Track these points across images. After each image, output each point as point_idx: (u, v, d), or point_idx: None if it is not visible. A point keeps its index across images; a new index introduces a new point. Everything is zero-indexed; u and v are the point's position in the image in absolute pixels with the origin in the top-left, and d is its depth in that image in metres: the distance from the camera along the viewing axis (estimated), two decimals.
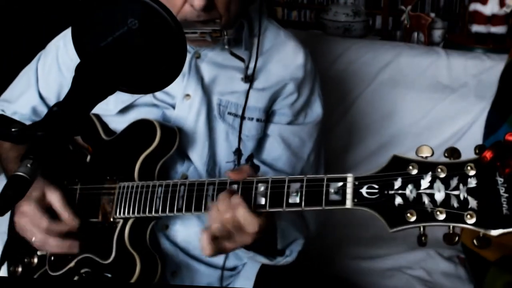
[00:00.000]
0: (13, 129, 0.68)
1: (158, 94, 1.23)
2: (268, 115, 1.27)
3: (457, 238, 0.79)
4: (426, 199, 0.80)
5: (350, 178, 0.87)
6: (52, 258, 1.20)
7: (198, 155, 1.22)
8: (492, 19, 2.13)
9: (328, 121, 1.43)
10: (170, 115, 1.23)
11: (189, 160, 1.23)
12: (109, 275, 1.13)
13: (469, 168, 0.79)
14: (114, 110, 1.23)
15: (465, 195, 0.78)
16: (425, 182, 0.81)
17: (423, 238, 0.80)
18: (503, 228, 0.75)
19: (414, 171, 0.82)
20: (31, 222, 1.13)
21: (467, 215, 0.77)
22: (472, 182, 0.78)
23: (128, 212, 1.11)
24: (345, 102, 1.96)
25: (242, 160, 1.26)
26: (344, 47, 2.01)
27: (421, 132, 1.91)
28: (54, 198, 1.14)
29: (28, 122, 1.31)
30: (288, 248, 1.15)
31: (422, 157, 0.82)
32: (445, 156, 0.82)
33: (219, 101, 1.23)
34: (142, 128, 1.18)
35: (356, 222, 1.67)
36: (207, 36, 1.13)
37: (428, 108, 1.91)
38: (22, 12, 2.62)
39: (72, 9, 0.74)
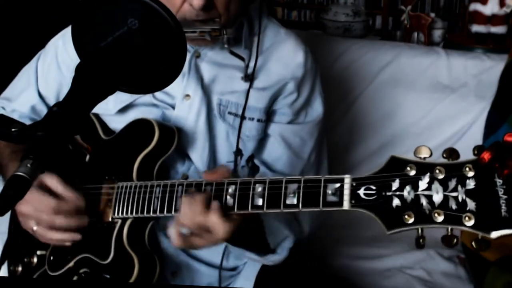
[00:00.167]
0: (13, 129, 0.68)
1: (157, 94, 1.23)
2: (268, 114, 1.27)
3: (455, 240, 0.78)
4: (424, 201, 0.79)
5: (347, 179, 0.86)
6: (52, 258, 1.20)
7: (198, 155, 1.22)
8: (492, 19, 2.13)
9: (328, 121, 1.43)
10: (170, 115, 1.23)
11: (189, 160, 1.23)
12: (108, 276, 1.13)
13: (467, 169, 0.78)
14: (114, 110, 1.23)
15: (464, 197, 0.77)
16: (423, 184, 0.80)
17: (421, 240, 0.80)
18: (502, 230, 0.74)
19: (412, 172, 0.81)
20: (36, 207, 1.11)
21: (465, 217, 0.76)
22: (471, 184, 0.78)
23: (127, 212, 1.11)
24: (345, 102, 1.96)
25: (243, 161, 1.26)
26: (344, 47, 2.01)
27: (421, 132, 1.91)
28: (53, 182, 1.13)
29: (27, 121, 1.32)
30: (279, 246, 1.15)
31: (420, 157, 0.82)
32: (444, 157, 0.81)
33: (219, 101, 1.23)
34: (140, 127, 1.18)
35: (355, 222, 1.67)
36: (206, 35, 1.13)
37: (428, 108, 1.91)
38: (22, 12, 2.62)
39: (72, 9, 0.74)
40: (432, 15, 2.32)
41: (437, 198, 0.79)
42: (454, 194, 0.78)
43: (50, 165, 0.67)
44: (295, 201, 0.91)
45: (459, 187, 0.78)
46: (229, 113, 1.23)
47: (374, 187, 0.84)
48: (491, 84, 1.84)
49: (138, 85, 0.75)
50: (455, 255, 1.64)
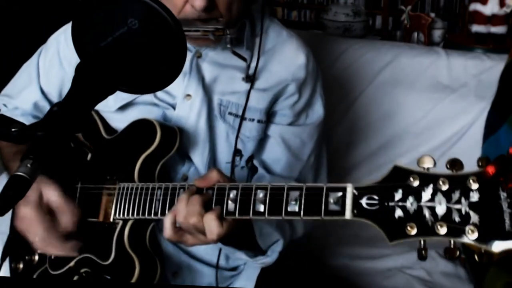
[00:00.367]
0: (13, 129, 0.68)
1: (159, 93, 1.22)
2: (268, 115, 1.27)
3: (458, 253, 0.77)
4: (427, 212, 0.78)
5: (349, 188, 0.86)
6: (53, 256, 1.20)
7: (199, 155, 1.22)
8: (492, 19, 2.13)
9: (328, 121, 1.43)
10: (171, 115, 1.22)
11: (190, 161, 1.23)
12: (109, 277, 1.13)
13: (471, 181, 0.77)
14: (114, 107, 1.23)
15: (467, 209, 0.76)
16: (426, 195, 0.79)
17: (423, 252, 0.79)
18: (506, 244, 0.73)
19: (415, 183, 0.80)
20: (31, 225, 1.12)
21: (468, 230, 0.75)
22: (475, 196, 0.77)
23: (128, 214, 1.10)
24: (345, 102, 1.96)
25: (243, 161, 1.26)
26: (344, 47, 2.01)
27: (421, 132, 1.90)
28: (52, 195, 1.12)
29: (30, 118, 1.32)
30: (270, 249, 1.15)
31: (423, 168, 0.81)
32: (447, 168, 0.80)
33: (220, 101, 1.23)
34: (142, 128, 1.17)
35: (355, 222, 1.67)
36: (210, 34, 1.12)
37: (428, 108, 1.91)
38: (22, 11, 2.62)
39: (72, 9, 0.74)
40: (432, 15, 2.32)
41: (440, 210, 0.78)
42: (458, 206, 0.77)
43: (50, 165, 0.67)
44: (296, 209, 0.90)
45: (463, 200, 0.77)
46: (230, 113, 1.23)
47: (376, 197, 0.83)
48: (491, 84, 1.84)
49: (138, 85, 0.75)
50: None
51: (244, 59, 1.21)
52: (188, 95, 1.22)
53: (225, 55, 1.22)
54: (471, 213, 0.76)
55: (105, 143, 1.23)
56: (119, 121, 1.22)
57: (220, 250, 1.23)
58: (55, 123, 0.68)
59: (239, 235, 1.03)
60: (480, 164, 0.78)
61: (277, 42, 1.29)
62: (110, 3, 0.72)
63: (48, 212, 1.12)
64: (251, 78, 1.22)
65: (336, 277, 1.51)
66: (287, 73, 1.27)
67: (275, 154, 1.28)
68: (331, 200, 0.87)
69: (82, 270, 1.16)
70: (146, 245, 1.14)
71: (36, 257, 1.22)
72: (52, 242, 1.12)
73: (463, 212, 0.77)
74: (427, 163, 0.81)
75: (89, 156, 1.23)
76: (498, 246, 0.74)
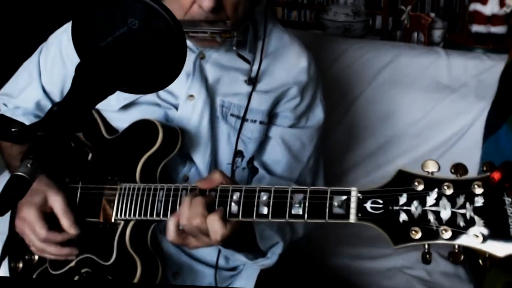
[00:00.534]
0: (13, 129, 0.68)
1: (161, 93, 1.22)
2: (270, 117, 1.27)
3: (462, 257, 0.78)
4: (431, 217, 0.79)
5: (354, 192, 0.86)
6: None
7: (200, 156, 1.22)
8: (492, 19, 2.13)
9: (328, 121, 1.43)
10: (173, 115, 1.22)
11: (191, 162, 1.23)
12: (110, 278, 1.13)
13: (476, 186, 0.77)
14: (116, 106, 1.23)
15: (472, 214, 0.77)
16: (431, 199, 0.79)
17: (427, 256, 0.79)
18: (510, 249, 0.74)
19: (420, 187, 0.80)
20: (30, 229, 1.13)
21: (473, 234, 0.76)
22: (479, 201, 0.77)
23: (129, 215, 1.10)
24: (345, 102, 1.96)
25: (244, 163, 1.26)
26: (344, 47, 2.01)
27: (421, 132, 1.90)
28: (56, 203, 1.14)
29: (32, 116, 1.32)
30: (270, 251, 1.15)
31: (428, 172, 0.81)
32: (451, 172, 0.80)
33: (222, 102, 1.23)
34: (144, 128, 1.17)
35: (356, 223, 1.67)
36: (217, 36, 1.13)
37: (428, 108, 1.91)
38: (22, 11, 2.62)
39: (72, 9, 0.74)
40: (432, 15, 2.32)
41: (445, 214, 0.78)
42: (462, 211, 0.77)
43: (50, 165, 0.67)
44: (300, 212, 0.90)
45: (467, 204, 0.77)
46: (231, 115, 1.23)
47: (381, 201, 0.83)
48: (491, 84, 1.84)
49: (138, 85, 0.75)
50: None
51: (248, 61, 1.22)
52: (191, 95, 1.22)
53: (228, 57, 1.23)
54: (476, 217, 0.77)
55: (106, 143, 1.23)
56: (121, 121, 1.22)
57: (219, 251, 1.23)
58: (55, 123, 0.68)
59: (240, 237, 1.03)
60: (484, 168, 0.78)
61: (280, 45, 1.30)
62: (110, 3, 0.72)
63: (47, 218, 1.13)
64: (253, 81, 1.23)
65: (336, 277, 1.51)
66: (289, 76, 1.28)
67: (275, 155, 1.28)
68: (336, 204, 0.87)
69: (83, 270, 1.16)
70: (147, 246, 1.14)
71: (36, 257, 1.22)
72: (49, 246, 1.13)
73: (468, 216, 0.77)
74: (432, 167, 0.81)
75: (90, 156, 1.23)
76: (502, 251, 0.74)
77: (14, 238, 1.21)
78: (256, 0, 1.23)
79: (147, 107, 1.23)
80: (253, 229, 1.10)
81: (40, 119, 0.68)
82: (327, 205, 0.87)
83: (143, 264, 1.11)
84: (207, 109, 1.22)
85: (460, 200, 0.78)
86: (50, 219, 1.14)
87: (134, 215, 1.09)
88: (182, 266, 1.23)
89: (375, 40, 2.44)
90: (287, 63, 1.29)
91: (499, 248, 0.74)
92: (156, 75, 0.74)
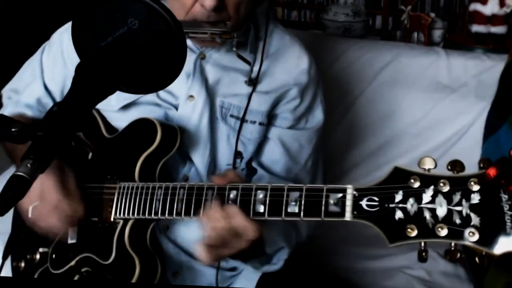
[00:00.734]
0: (13, 129, 0.68)
1: (161, 93, 1.22)
2: (269, 118, 1.27)
3: (459, 255, 0.77)
4: (427, 214, 0.78)
5: (350, 189, 0.86)
6: (54, 255, 1.20)
7: (199, 156, 1.22)
8: (492, 19, 2.13)
9: (328, 121, 1.43)
10: (173, 115, 1.22)
11: (191, 162, 1.23)
12: (110, 277, 1.13)
13: (472, 183, 0.77)
14: (117, 106, 1.23)
15: (468, 211, 0.76)
16: (426, 196, 0.79)
17: (423, 253, 0.79)
18: (507, 246, 0.73)
19: (416, 184, 0.80)
20: (47, 191, 1.11)
21: (469, 232, 0.75)
22: (475, 198, 0.76)
23: (128, 213, 1.10)
24: (345, 102, 1.96)
25: (243, 163, 1.26)
26: (344, 47, 2.01)
27: (421, 132, 1.90)
28: (71, 178, 1.14)
29: (35, 112, 1.32)
30: (275, 256, 1.16)
31: (424, 169, 0.80)
32: (448, 169, 0.79)
33: (222, 103, 1.23)
34: (143, 127, 1.17)
35: (355, 222, 1.67)
36: (217, 37, 1.13)
37: (428, 108, 1.91)
38: (22, 11, 2.62)
39: (72, 9, 0.74)
40: (432, 15, 2.32)
41: (441, 211, 0.78)
42: (458, 208, 0.77)
43: (50, 165, 0.67)
44: (296, 210, 0.90)
45: (464, 201, 0.77)
46: (231, 115, 1.24)
47: (377, 199, 0.83)
48: (491, 84, 1.84)
49: (138, 85, 0.75)
50: None
51: (248, 62, 1.22)
52: (191, 96, 1.22)
53: (229, 58, 1.23)
54: (472, 215, 0.76)
55: (106, 142, 1.23)
56: (121, 121, 1.22)
57: None
58: (55, 123, 0.68)
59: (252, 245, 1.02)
60: (481, 165, 0.77)
61: (280, 46, 1.29)
62: (110, 3, 0.72)
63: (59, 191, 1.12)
64: (253, 82, 1.23)
65: (336, 277, 1.51)
66: (289, 77, 1.28)
67: (273, 155, 1.28)
68: (331, 201, 0.87)
69: (83, 270, 1.16)
70: (146, 245, 1.14)
71: (38, 256, 1.22)
72: (59, 213, 1.11)
73: (464, 214, 0.76)
74: (428, 164, 0.81)
75: (90, 155, 1.23)
76: (499, 248, 0.74)
77: (17, 238, 1.22)
78: (258, 0, 1.23)
79: (147, 107, 1.23)
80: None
81: (40, 119, 0.68)
82: (323, 203, 0.87)
83: (141, 263, 1.11)
84: (207, 110, 1.22)
85: (456, 197, 0.77)
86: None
87: (133, 214, 1.09)
88: (182, 265, 1.23)
89: (375, 40, 2.44)
90: (288, 64, 1.29)
91: (495, 246, 0.74)
92: (156, 75, 0.74)
